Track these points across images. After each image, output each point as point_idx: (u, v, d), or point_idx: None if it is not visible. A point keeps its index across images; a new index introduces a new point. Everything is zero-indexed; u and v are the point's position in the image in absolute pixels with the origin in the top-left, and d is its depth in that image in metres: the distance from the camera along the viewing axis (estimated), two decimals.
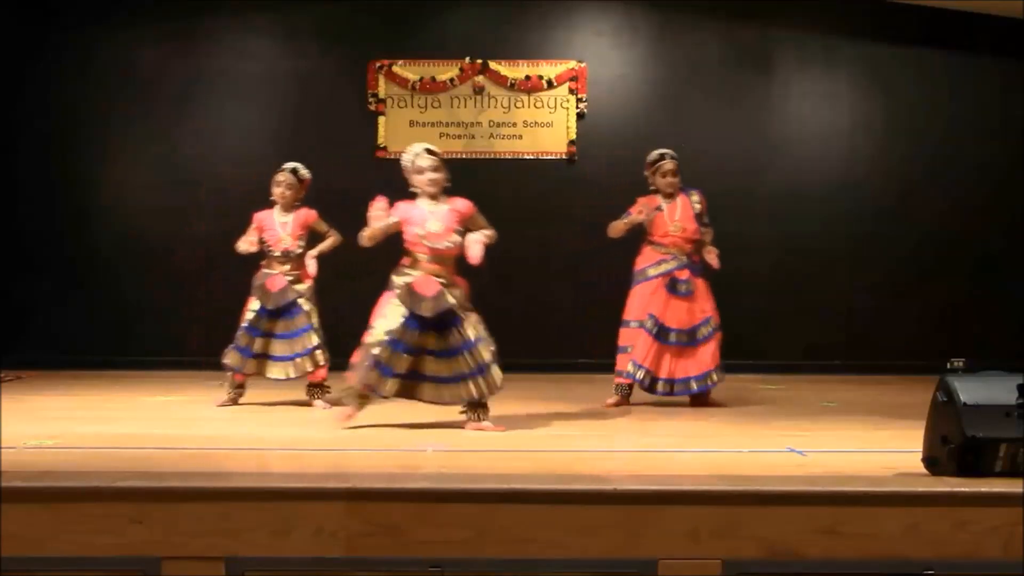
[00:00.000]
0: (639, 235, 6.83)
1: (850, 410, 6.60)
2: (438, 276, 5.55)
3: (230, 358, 6.52)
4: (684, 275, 6.61)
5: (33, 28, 9.06)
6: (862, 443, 5.34)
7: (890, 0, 9.06)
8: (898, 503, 3.70)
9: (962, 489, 3.73)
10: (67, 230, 9.08)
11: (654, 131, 9.12)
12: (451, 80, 9.12)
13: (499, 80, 9.14)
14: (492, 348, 5.60)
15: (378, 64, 9.13)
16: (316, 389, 6.60)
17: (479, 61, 9.13)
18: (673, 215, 6.67)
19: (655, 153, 6.78)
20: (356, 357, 5.59)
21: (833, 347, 9.01)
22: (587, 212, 9.04)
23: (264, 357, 6.52)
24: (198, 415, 6.33)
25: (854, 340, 9.06)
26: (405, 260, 5.62)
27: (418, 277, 5.53)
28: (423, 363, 5.53)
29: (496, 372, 5.59)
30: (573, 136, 9.14)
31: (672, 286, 6.59)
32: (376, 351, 5.48)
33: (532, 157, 9.18)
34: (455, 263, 5.65)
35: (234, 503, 3.66)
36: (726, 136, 9.10)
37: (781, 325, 9.00)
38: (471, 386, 5.53)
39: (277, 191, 6.63)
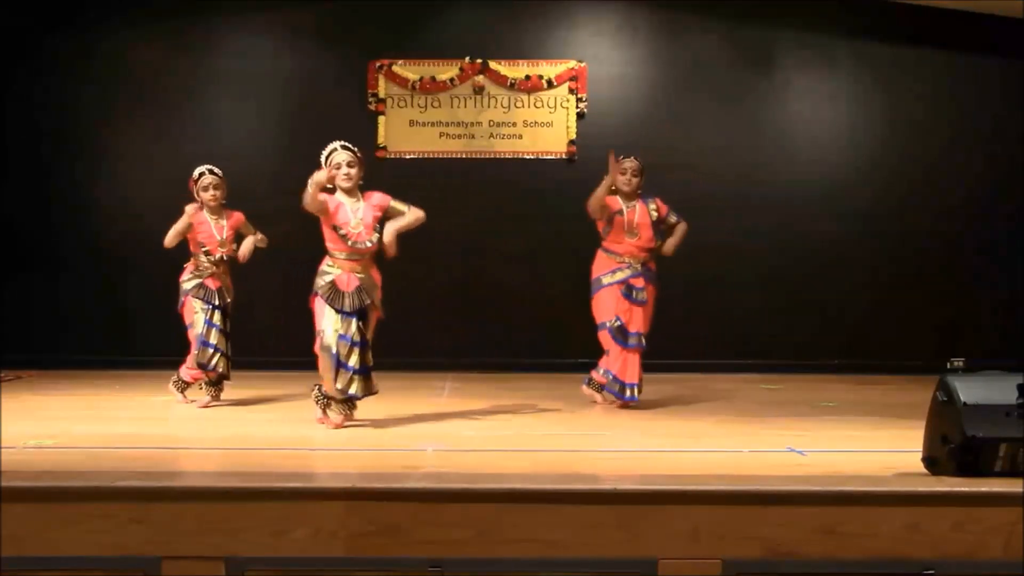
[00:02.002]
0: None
1: (850, 410, 6.60)
2: (356, 271, 5.66)
3: (200, 355, 6.54)
4: (639, 283, 6.61)
5: (33, 27, 9.05)
6: (862, 443, 5.34)
7: (890, 0, 9.05)
8: (898, 503, 3.70)
9: (962, 489, 3.73)
10: (67, 230, 9.06)
11: (654, 131, 9.13)
12: (451, 80, 9.12)
13: (499, 80, 9.13)
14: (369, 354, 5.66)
15: (378, 64, 9.13)
16: (183, 383, 6.69)
17: (479, 61, 9.13)
18: (632, 221, 6.67)
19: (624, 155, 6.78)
20: (321, 366, 5.63)
21: (832, 347, 9.00)
22: (587, 212, 9.04)
23: (230, 357, 6.61)
24: (198, 415, 6.33)
25: (854, 340, 9.05)
26: (325, 259, 5.72)
27: (338, 275, 5.64)
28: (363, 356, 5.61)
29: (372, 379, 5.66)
30: (573, 136, 9.13)
31: (628, 293, 6.60)
32: (335, 350, 5.54)
33: (532, 157, 9.17)
34: (372, 255, 5.74)
35: (234, 503, 3.66)
36: (726, 136, 9.09)
37: (781, 325, 8.99)
38: (372, 380, 5.65)
39: (207, 195, 6.61)
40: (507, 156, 9.16)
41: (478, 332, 8.99)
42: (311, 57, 9.22)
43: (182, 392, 6.71)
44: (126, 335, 8.97)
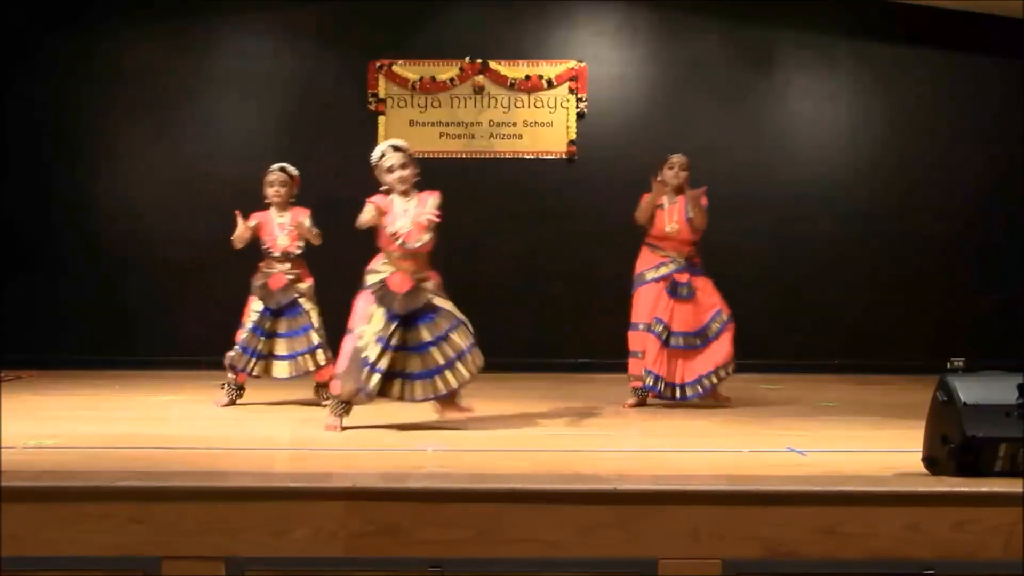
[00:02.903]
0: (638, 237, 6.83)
1: (850, 410, 6.60)
2: (410, 271, 5.58)
3: (236, 359, 6.51)
4: (684, 278, 6.59)
5: (33, 27, 9.05)
6: (862, 443, 5.34)
7: (890, 0, 9.05)
8: (898, 503, 3.70)
9: (962, 489, 3.73)
10: (67, 230, 9.07)
11: (654, 131, 9.13)
12: (451, 80, 9.12)
13: (499, 80, 9.14)
14: (470, 332, 5.63)
15: (378, 64, 9.13)
16: (323, 388, 6.60)
17: (479, 61, 9.13)
18: (672, 215, 6.65)
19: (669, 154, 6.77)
20: (342, 366, 5.57)
21: (833, 347, 8.99)
22: (587, 212, 9.05)
23: (269, 357, 6.54)
24: (198, 415, 6.33)
25: (854, 340, 9.05)
26: (378, 257, 5.65)
27: (391, 274, 5.57)
28: (400, 360, 5.53)
29: (474, 355, 5.61)
30: (573, 136, 9.13)
31: (673, 289, 6.57)
32: (366, 354, 5.47)
33: (532, 157, 9.17)
34: (427, 256, 5.69)
35: (234, 503, 3.66)
36: (726, 136, 9.09)
37: (781, 325, 8.99)
38: (439, 381, 5.54)
39: (272, 191, 6.62)
40: (507, 156, 9.16)
41: (478, 332, 8.95)
42: (311, 57, 9.22)
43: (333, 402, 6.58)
44: (126, 335, 8.97)
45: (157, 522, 3.63)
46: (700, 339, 6.59)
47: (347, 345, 5.56)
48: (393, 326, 5.49)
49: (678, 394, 6.59)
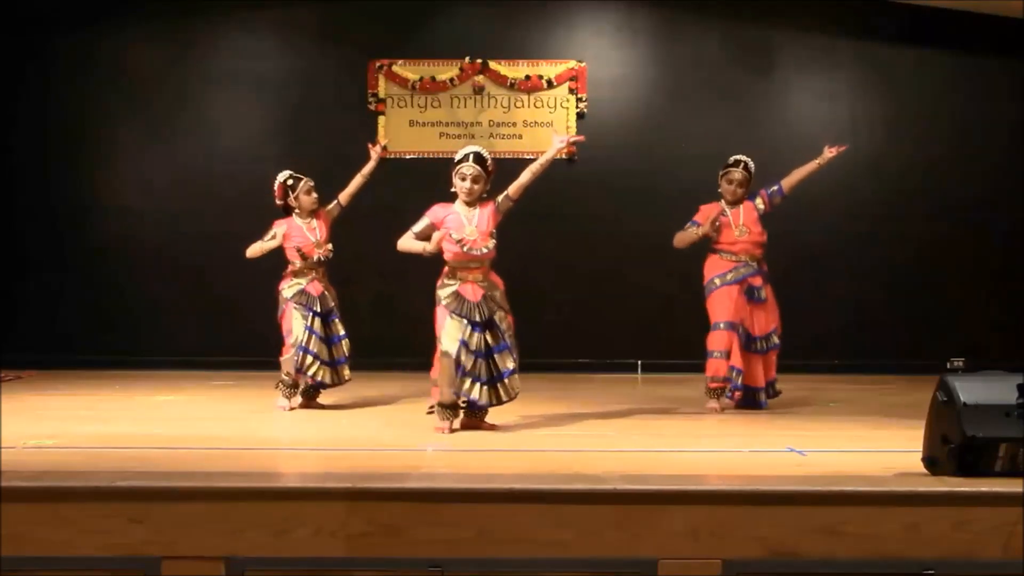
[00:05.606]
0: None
1: (850, 410, 6.61)
2: (478, 281, 5.55)
3: (301, 362, 6.37)
4: (758, 282, 6.56)
5: (33, 28, 9.06)
6: (862, 443, 5.34)
7: (890, 0, 9.06)
8: (898, 503, 3.70)
9: (962, 489, 3.73)
10: (67, 230, 9.07)
11: (654, 131, 9.14)
12: (451, 80, 9.12)
13: (499, 80, 9.14)
14: (515, 356, 5.58)
15: (378, 64, 9.13)
16: (297, 389, 6.53)
17: (479, 61, 9.13)
18: (737, 220, 6.58)
19: (731, 158, 6.68)
20: (435, 371, 5.55)
21: (833, 347, 9.00)
22: (587, 212, 9.05)
23: (333, 364, 6.50)
24: (198, 415, 6.33)
25: (854, 340, 9.05)
26: (445, 270, 5.60)
27: (462, 284, 5.52)
28: (491, 364, 5.51)
29: (515, 380, 5.56)
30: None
31: (750, 293, 6.52)
32: (455, 354, 5.41)
33: (532, 157, 9.06)
34: (491, 263, 5.65)
35: (234, 503, 3.66)
36: (726, 136, 9.07)
37: (781, 325, 8.98)
38: (512, 381, 5.53)
39: (309, 199, 6.59)
40: (507, 156, 9.12)
41: None
42: (311, 57, 9.22)
43: (288, 398, 6.51)
44: (126, 335, 8.97)
45: (157, 522, 3.63)
46: (764, 345, 6.57)
47: (439, 353, 5.54)
48: (476, 333, 5.45)
49: (758, 398, 6.54)
